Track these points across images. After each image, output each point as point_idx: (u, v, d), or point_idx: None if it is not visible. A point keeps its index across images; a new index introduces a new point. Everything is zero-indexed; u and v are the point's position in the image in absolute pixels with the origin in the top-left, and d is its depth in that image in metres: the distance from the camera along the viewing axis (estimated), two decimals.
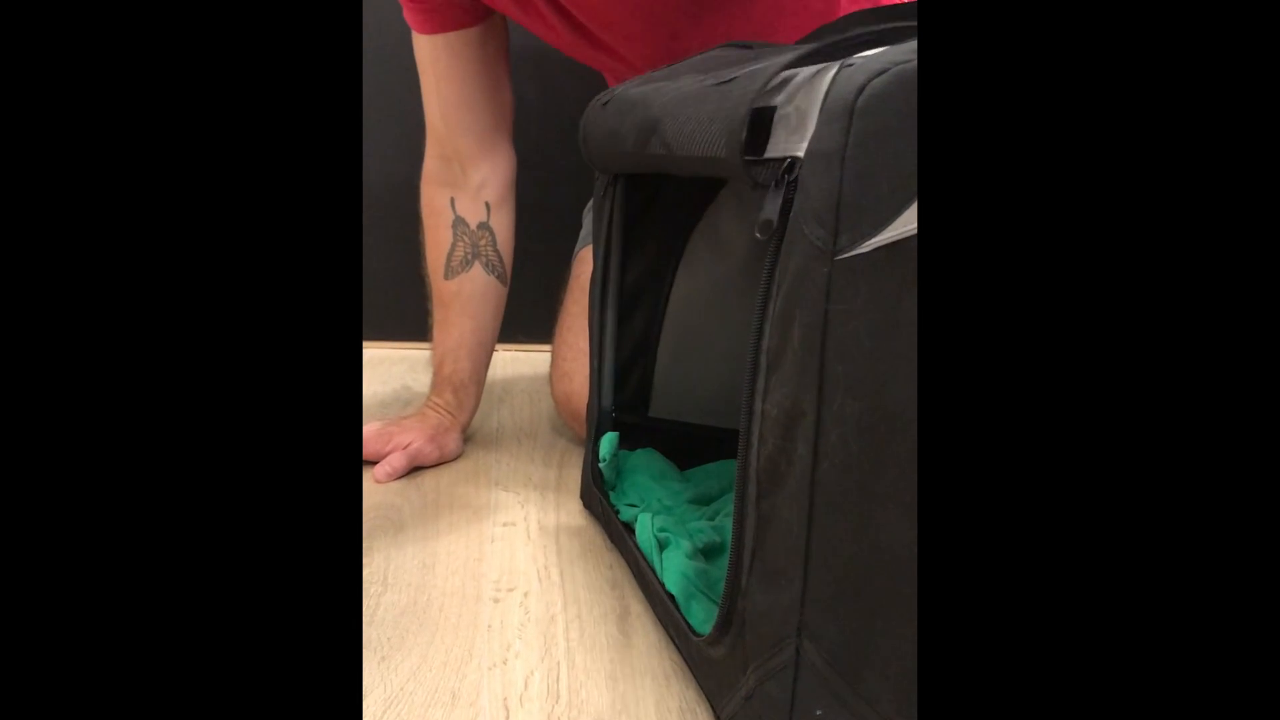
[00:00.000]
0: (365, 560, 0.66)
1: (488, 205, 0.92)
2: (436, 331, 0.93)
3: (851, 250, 0.35)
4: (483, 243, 0.92)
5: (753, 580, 0.41)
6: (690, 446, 0.77)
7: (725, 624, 0.44)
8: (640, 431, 0.77)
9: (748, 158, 0.41)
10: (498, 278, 0.93)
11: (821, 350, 0.36)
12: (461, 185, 0.91)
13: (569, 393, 0.89)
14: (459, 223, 0.91)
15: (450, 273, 0.92)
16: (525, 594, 0.63)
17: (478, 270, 0.91)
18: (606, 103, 0.64)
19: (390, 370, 1.25)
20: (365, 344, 1.39)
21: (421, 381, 1.17)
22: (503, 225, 0.93)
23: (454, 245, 0.91)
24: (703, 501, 0.71)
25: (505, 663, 0.54)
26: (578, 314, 0.88)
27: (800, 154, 0.38)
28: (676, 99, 0.51)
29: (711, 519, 0.67)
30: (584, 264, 0.96)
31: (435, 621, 0.58)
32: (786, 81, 0.41)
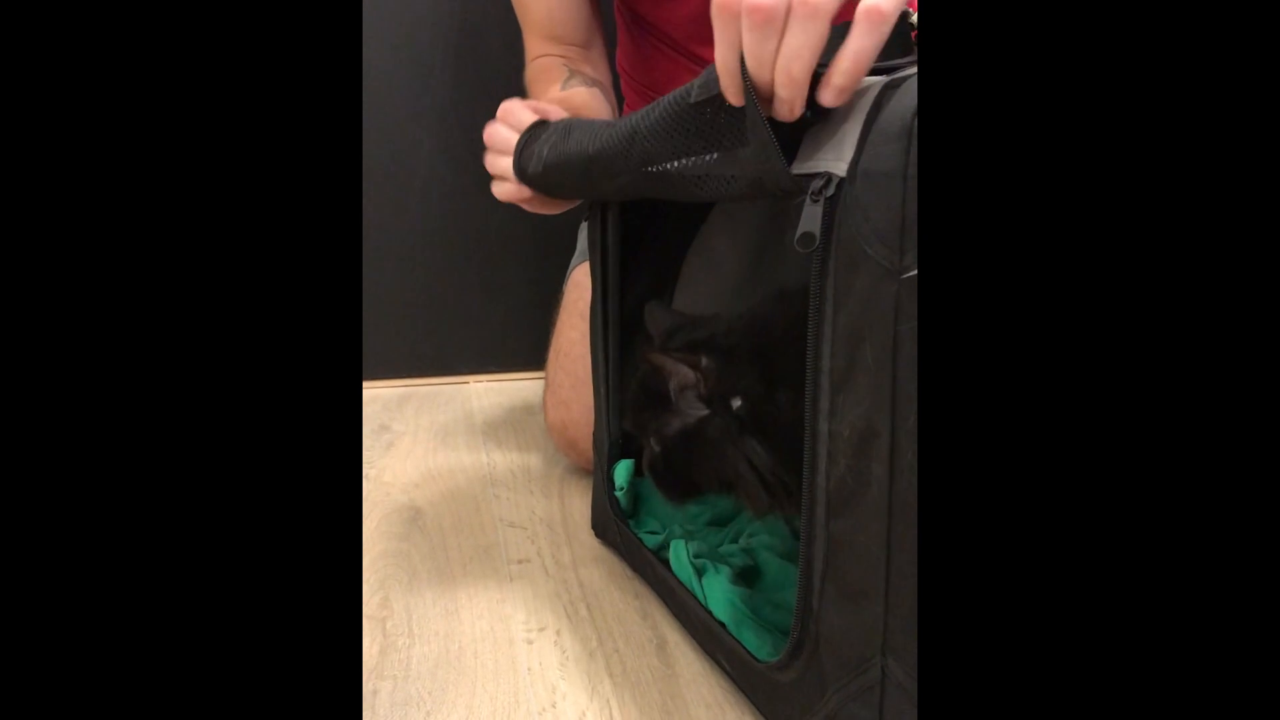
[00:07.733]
0: (386, 612, 0.64)
1: (597, 79, 0.89)
2: None
3: (916, 268, 0.35)
4: (597, 88, 0.88)
5: (825, 602, 0.41)
6: None
7: (797, 648, 0.43)
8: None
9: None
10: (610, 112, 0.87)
11: (893, 369, 0.36)
12: (572, 57, 0.90)
13: (566, 421, 0.88)
14: (575, 72, 0.88)
15: (565, 86, 0.87)
16: (558, 632, 0.61)
17: (596, 92, 0.87)
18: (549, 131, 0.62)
19: (365, 409, 1.22)
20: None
21: (399, 419, 1.14)
22: (611, 96, 0.90)
23: (569, 79, 0.87)
24: (720, 522, 0.70)
25: (554, 705, 0.53)
26: (578, 340, 0.87)
27: (838, 171, 0.38)
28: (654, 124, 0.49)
29: (735, 540, 0.67)
30: (577, 287, 0.93)
31: (473, 670, 0.57)
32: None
